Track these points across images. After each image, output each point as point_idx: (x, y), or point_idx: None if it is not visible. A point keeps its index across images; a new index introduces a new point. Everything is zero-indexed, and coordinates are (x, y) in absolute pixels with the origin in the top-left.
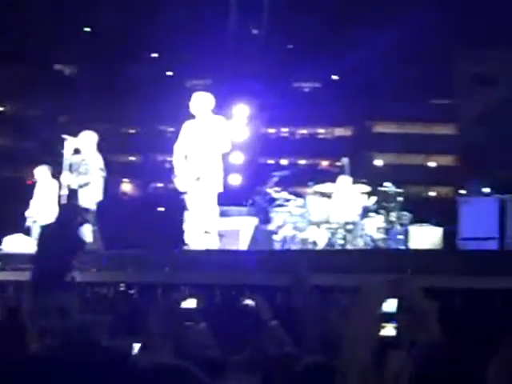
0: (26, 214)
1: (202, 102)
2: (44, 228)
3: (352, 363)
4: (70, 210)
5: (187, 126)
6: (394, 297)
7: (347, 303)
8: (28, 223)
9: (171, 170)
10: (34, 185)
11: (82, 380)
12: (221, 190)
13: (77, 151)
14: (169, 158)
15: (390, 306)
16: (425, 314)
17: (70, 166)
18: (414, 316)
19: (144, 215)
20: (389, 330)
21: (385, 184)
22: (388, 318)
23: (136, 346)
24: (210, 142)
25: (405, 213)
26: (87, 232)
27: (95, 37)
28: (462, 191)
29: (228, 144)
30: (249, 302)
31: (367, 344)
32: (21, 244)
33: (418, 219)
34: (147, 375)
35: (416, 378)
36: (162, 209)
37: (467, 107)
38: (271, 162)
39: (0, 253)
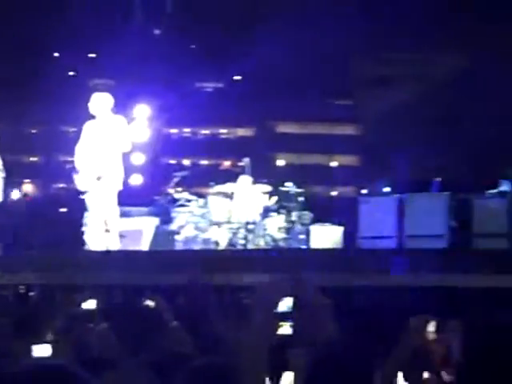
0: None
1: (100, 102)
2: None
3: (250, 363)
4: None
5: (88, 126)
6: (289, 295)
7: (246, 303)
8: None
9: (73, 170)
10: None
11: None
12: (120, 188)
13: None
14: (70, 159)
15: (286, 304)
16: (319, 311)
17: None
18: (309, 314)
19: (45, 216)
20: (286, 329)
21: (286, 184)
22: (284, 316)
23: (36, 349)
24: (110, 141)
25: (306, 212)
26: None
27: None
28: (363, 191)
29: (128, 143)
30: (149, 302)
31: (265, 343)
32: None
33: (319, 219)
34: (20, 377)
35: (316, 376)
36: (64, 209)
37: (367, 108)
38: (173, 162)
39: None
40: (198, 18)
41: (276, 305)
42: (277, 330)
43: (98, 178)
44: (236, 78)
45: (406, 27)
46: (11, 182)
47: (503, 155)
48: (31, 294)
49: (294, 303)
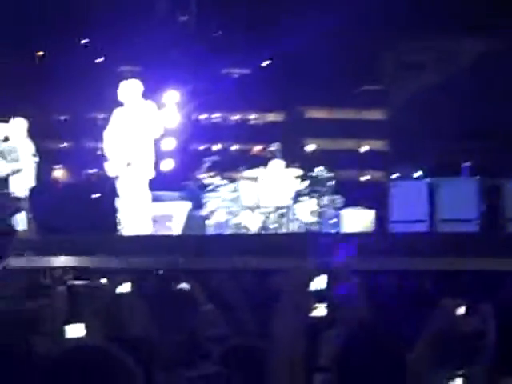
0: None
1: (130, 88)
2: None
3: (284, 345)
4: (1, 198)
5: (117, 113)
6: (324, 278)
7: (279, 286)
8: None
9: (102, 156)
10: None
11: None
12: (152, 175)
13: (6, 139)
14: (100, 145)
15: (321, 286)
16: (353, 294)
17: (1, 152)
18: (344, 296)
19: (77, 201)
20: (320, 310)
21: (316, 169)
22: (319, 298)
23: (69, 329)
24: (141, 127)
25: (337, 197)
26: (20, 219)
27: (24, 23)
28: (394, 175)
29: (159, 129)
30: (183, 286)
31: (299, 324)
32: None
33: (350, 203)
34: (62, 358)
35: (344, 356)
36: (95, 195)
37: (397, 92)
38: (203, 147)
39: None
40: (226, 2)
41: (310, 287)
42: (311, 311)
43: (128, 164)
44: (265, 63)
45: (435, 12)
46: (42, 167)
47: None
48: (67, 277)
49: (329, 285)
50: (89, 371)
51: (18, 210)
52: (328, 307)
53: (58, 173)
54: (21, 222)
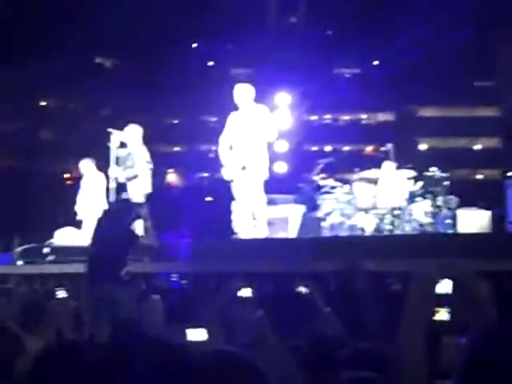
0: (76, 208)
1: (243, 92)
2: (97, 223)
3: (406, 349)
4: (123, 205)
5: (232, 117)
6: (447, 278)
7: (398, 289)
8: (79, 217)
9: (216, 159)
10: (79, 178)
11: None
12: (267, 177)
13: (123, 144)
14: (213, 148)
15: (445, 287)
16: (479, 296)
17: (117, 159)
18: (468, 298)
19: (192, 205)
20: (442, 315)
21: (430, 169)
22: (441, 300)
23: (190, 333)
24: (255, 131)
25: (452, 197)
26: (139, 226)
27: (136, 28)
28: (510, 174)
29: (274, 132)
30: (302, 289)
31: (421, 329)
32: (71, 237)
33: (465, 203)
34: (205, 362)
35: (471, 363)
36: (209, 198)
37: (509, 89)
38: (315, 149)
39: (52, 246)
40: (335, 2)
41: (433, 291)
42: (433, 315)
43: (243, 168)
44: (376, 62)
45: None
46: (157, 172)
47: None
48: (183, 282)
49: (453, 288)
50: (228, 377)
51: (137, 216)
52: (451, 312)
53: (172, 177)
54: (139, 227)
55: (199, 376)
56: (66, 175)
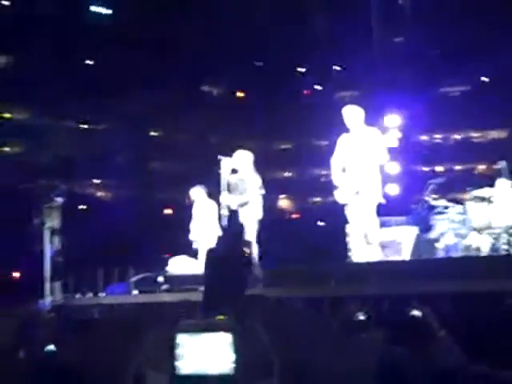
0: (190, 237)
1: (353, 114)
2: (211, 252)
3: None
4: (239, 228)
5: (343, 139)
6: None
7: None
8: (195, 245)
9: (327, 183)
10: (191, 206)
11: None
12: (381, 200)
13: (234, 171)
14: (324, 172)
15: None
16: None
17: (228, 185)
18: None
19: (303, 230)
20: None
21: None
22: None
23: None
24: (367, 153)
25: None
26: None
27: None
28: None
29: (385, 155)
30: (416, 312)
31: None
32: (186, 265)
33: None
34: None
35: None
36: (322, 223)
37: None
38: (426, 169)
39: (166, 274)
40: (437, 21)
41: None
42: None
43: (357, 193)
44: (484, 79)
45: None
46: (268, 198)
47: None
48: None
49: None
50: None
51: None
52: None
53: (284, 202)
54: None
55: None
56: (166, 211)
